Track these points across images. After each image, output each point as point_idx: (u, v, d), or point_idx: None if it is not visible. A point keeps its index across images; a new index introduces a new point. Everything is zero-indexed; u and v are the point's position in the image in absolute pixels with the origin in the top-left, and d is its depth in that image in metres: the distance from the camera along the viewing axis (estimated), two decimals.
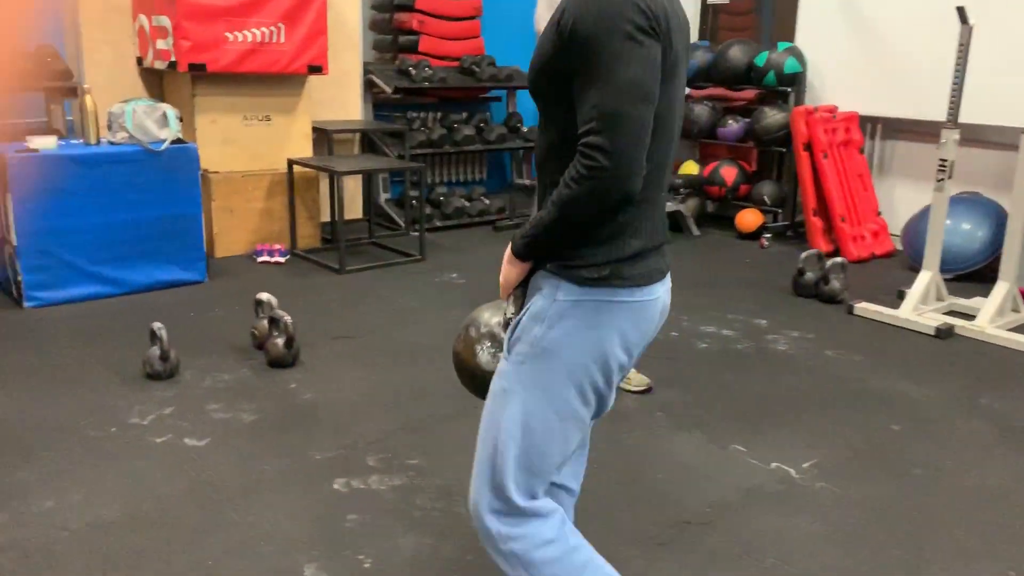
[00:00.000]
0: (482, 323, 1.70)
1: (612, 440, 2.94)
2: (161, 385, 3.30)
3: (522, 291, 1.50)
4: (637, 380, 3.33)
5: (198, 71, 4.78)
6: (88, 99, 4.24)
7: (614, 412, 3.16)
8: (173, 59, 4.75)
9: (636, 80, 1.29)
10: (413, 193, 6.04)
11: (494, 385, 1.51)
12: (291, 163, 5.20)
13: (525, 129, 6.75)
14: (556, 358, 1.42)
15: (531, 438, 1.46)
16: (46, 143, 4.12)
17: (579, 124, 1.33)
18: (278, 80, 5.19)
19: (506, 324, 1.54)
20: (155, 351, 3.33)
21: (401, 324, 4.06)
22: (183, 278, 4.55)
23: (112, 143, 4.31)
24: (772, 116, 5.84)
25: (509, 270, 1.48)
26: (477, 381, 1.69)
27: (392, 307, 4.33)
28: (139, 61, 5.17)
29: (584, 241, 1.39)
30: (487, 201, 6.36)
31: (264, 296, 3.68)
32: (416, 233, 5.79)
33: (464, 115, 6.62)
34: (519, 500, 1.49)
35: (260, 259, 5.12)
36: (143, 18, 4.97)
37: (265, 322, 3.66)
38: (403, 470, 2.69)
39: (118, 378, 3.35)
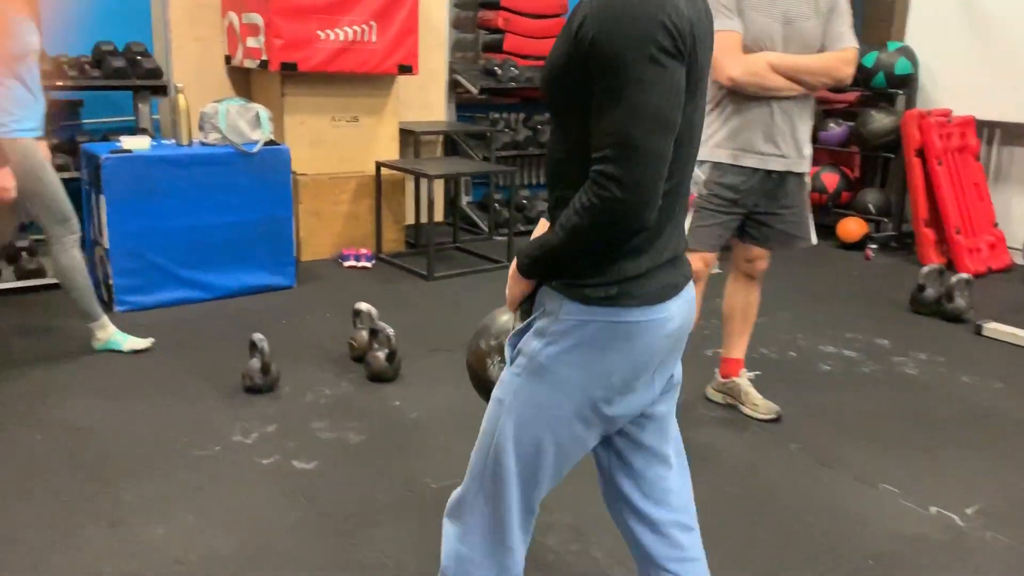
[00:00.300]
0: (493, 334, 1.64)
1: (748, 476, 2.71)
2: (262, 399, 3.16)
3: (529, 305, 1.43)
4: (765, 408, 3.09)
5: (289, 70, 4.66)
6: (181, 98, 4.13)
7: (748, 445, 2.93)
8: (264, 58, 4.63)
9: (657, 109, 1.20)
10: (498, 196, 5.86)
11: (494, 393, 1.44)
12: (379, 165, 5.05)
13: None
14: (554, 376, 1.35)
15: (523, 450, 1.40)
16: (140, 144, 4.03)
17: (593, 147, 1.24)
18: (367, 80, 5.05)
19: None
20: (255, 363, 3.19)
21: None
22: (272, 283, 4.43)
23: (204, 144, 4.20)
24: (880, 120, 5.51)
25: (514, 285, 1.42)
26: (487, 393, 1.62)
27: (482, 313, 4.13)
28: (227, 59, 5.07)
29: (591, 259, 1.31)
30: None
31: (363, 306, 3.53)
32: (501, 238, 5.62)
33: (548, 116, 6.41)
34: (512, 514, 1.45)
35: (347, 264, 4.98)
36: (233, 15, 4.87)
37: (364, 333, 3.50)
38: None
39: (216, 391, 3.22)
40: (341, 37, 4.73)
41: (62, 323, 3.86)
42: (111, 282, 4.00)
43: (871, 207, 5.69)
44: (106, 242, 3.96)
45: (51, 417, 2.96)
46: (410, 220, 5.64)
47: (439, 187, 6.07)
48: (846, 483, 2.68)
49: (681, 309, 1.39)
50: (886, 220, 5.76)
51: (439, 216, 6.10)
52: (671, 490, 1.54)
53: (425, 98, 5.80)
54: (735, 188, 2.89)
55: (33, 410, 3.01)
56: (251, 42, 4.72)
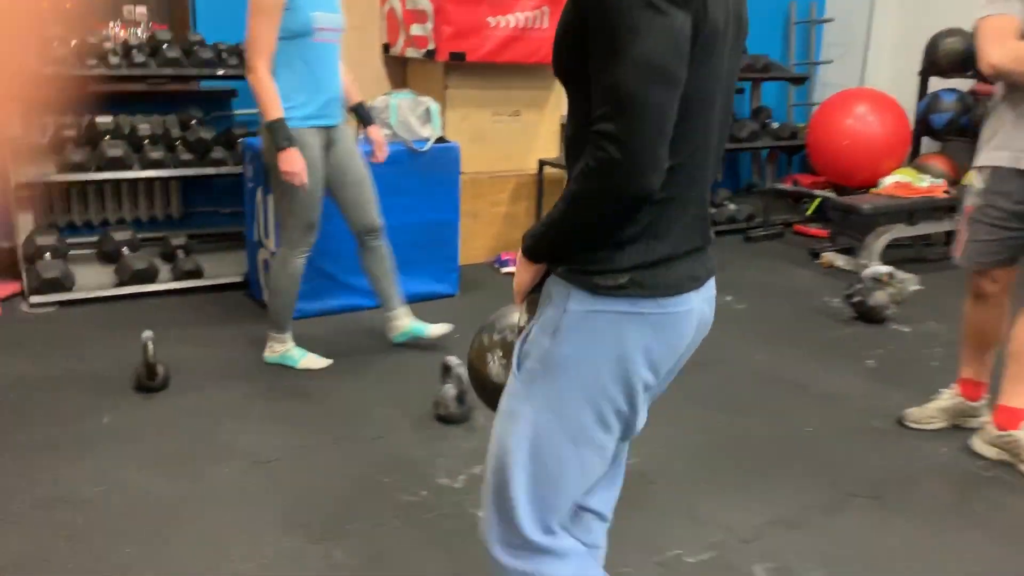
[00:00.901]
0: (497, 329, 1.56)
1: None
2: (457, 432, 2.82)
3: (537, 296, 1.32)
4: None
5: (457, 60, 4.31)
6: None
7: None
8: (431, 47, 4.30)
9: (654, 57, 1.10)
10: None
11: (502, 404, 1.34)
12: (542, 164, 4.67)
13: (776, 125, 5.99)
14: (568, 376, 1.25)
15: (542, 467, 1.29)
16: None
17: (593, 108, 1.15)
18: (532, 71, 4.66)
19: (519, 332, 1.37)
20: (450, 390, 2.85)
21: (698, 362, 3.43)
22: (435, 290, 4.11)
23: None
24: None
25: (521, 272, 1.31)
26: (487, 393, 1.55)
27: None
28: (385, 48, 4.76)
29: (600, 243, 1.21)
30: (732, 206, 5.66)
31: None
32: None
33: None
34: (532, 535, 1.33)
35: (504, 269, 4.63)
36: (395, 0, 4.55)
37: None
38: None
39: (405, 419, 2.90)
40: (512, 24, 4.35)
41: (225, 331, 3.62)
42: None
43: None
44: (273, 245, 3.70)
45: (234, 447, 2.69)
46: None
47: None
48: None
49: (701, 305, 1.29)
50: None
51: None
52: (602, 484, 1.46)
53: None
54: (1016, 198, 2.46)
55: (213, 437, 2.74)
56: (416, 29, 4.39)
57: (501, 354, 1.52)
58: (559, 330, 1.23)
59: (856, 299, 3.96)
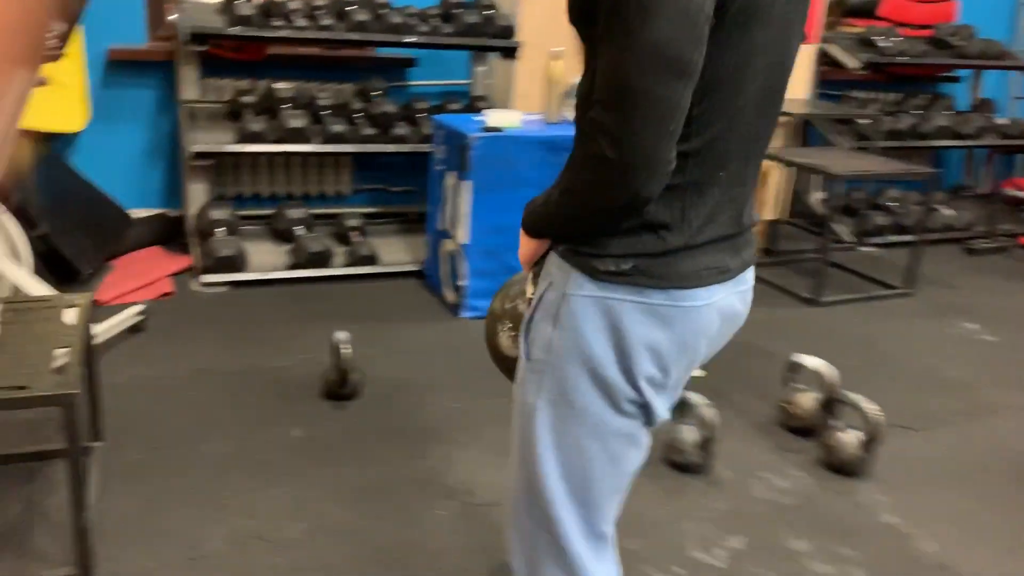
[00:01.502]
0: (510, 295, 1.43)
1: None
2: (698, 486, 2.38)
3: (541, 268, 1.16)
4: None
5: None
6: (557, 66, 3.40)
7: None
8: None
9: (662, 42, 0.91)
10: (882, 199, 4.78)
11: (517, 394, 1.19)
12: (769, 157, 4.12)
13: (1002, 121, 5.23)
14: (573, 364, 1.10)
15: (568, 459, 1.14)
16: (510, 120, 3.33)
17: (596, 84, 0.97)
18: None
19: (529, 303, 1.20)
20: (689, 433, 2.41)
21: (965, 412, 2.89)
22: None
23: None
24: None
25: (524, 245, 1.17)
26: (498, 362, 1.45)
27: (929, 376, 3.15)
28: None
29: (598, 226, 1.06)
30: (948, 212, 4.96)
31: (809, 361, 2.65)
32: (869, 249, 4.63)
33: (921, 99, 5.22)
34: (574, 540, 1.17)
35: None
36: None
37: (809, 399, 2.64)
38: None
39: None
40: None
41: (412, 331, 3.27)
42: (462, 283, 3.37)
43: None
44: (463, 236, 3.32)
45: (444, 481, 2.32)
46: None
47: (786, 178, 5.07)
48: None
49: (729, 299, 1.13)
50: None
51: (771, 214, 5.11)
52: None
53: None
54: None
55: (418, 465, 2.38)
56: None
57: (511, 325, 1.42)
58: (559, 316, 1.12)
59: None
